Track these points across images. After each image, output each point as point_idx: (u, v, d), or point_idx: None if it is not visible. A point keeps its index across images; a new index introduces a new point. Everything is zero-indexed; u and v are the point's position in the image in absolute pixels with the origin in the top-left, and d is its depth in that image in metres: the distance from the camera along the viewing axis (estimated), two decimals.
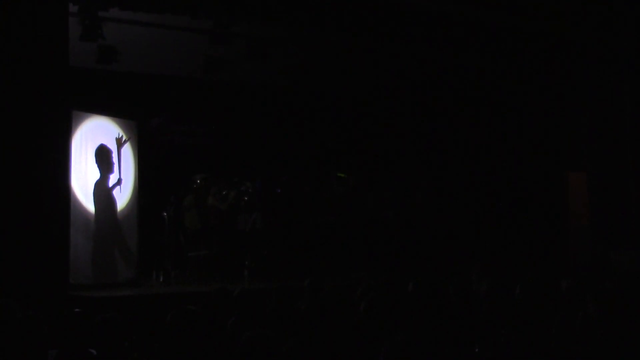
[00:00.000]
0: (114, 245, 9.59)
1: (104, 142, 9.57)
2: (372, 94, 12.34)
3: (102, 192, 9.43)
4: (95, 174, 9.41)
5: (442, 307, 5.34)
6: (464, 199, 12.32)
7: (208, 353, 4.14)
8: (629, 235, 10.31)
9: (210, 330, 4.39)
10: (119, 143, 9.77)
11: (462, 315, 5.13)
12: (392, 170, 12.84)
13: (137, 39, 9.65)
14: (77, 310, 5.55)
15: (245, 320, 4.55)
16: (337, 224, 11.81)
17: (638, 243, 10.12)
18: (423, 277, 6.37)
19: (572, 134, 11.58)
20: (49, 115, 7.63)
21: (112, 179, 9.58)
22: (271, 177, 12.18)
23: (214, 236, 10.87)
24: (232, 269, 10.63)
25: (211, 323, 4.56)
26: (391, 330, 4.30)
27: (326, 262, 11.07)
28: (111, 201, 9.56)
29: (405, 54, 11.16)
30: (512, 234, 11.67)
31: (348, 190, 12.24)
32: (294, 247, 11.46)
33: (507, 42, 10.82)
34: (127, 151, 10.00)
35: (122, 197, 9.80)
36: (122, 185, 9.74)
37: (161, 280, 10.14)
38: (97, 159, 9.43)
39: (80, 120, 9.25)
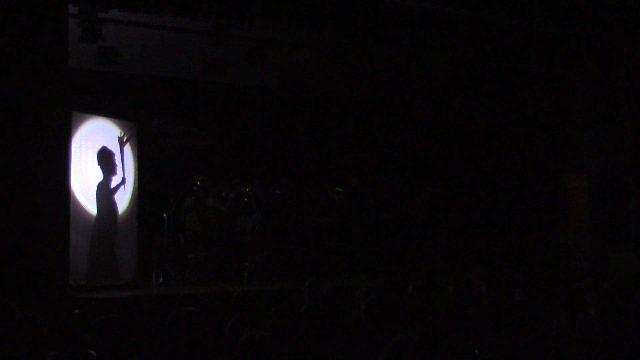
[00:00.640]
0: (114, 246, 9.58)
1: (104, 144, 9.58)
2: (372, 96, 12.36)
3: (105, 193, 9.44)
4: (95, 174, 9.41)
5: (441, 309, 5.33)
6: (463, 200, 12.33)
7: (208, 354, 4.14)
8: (628, 237, 10.31)
9: (210, 332, 4.39)
10: (121, 142, 9.78)
11: (461, 317, 5.13)
12: (392, 172, 12.84)
13: (137, 41, 9.66)
14: (76, 311, 5.55)
15: (245, 321, 4.55)
16: (337, 226, 11.81)
17: (637, 245, 10.12)
18: (423, 279, 6.36)
19: (572, 136, 11.58)
20: (48, 116, 7.63)
21: (115, 181, 9.60)
22: (271, 179, 12.18)
23: (213, 238, 10.87)
24: (232, 271, 10.64)
25: (211, 324, 4.56)
26: (391, 332, 4.30)
27: (326, 263, 11.07)
28: (113, 203, 9.57)
29: (405, 56, 11.17)
30: (511, 236, 11.67)
31: (348, 193, 12.24)
32: (294, 248, 11.46)
33: (507, 43, 10.83)
34: (127, 152, 10.00)
35: (123, 198, 9.80)
36: (125, 186, 9.75)
37: (161, 281, 10.15)
38: (99, 161, 9.44)
39: (80, 122, 9.25)
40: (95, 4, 8.75)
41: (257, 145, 12.57)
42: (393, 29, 10.03)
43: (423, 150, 12.83)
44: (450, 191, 12.51)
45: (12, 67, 7.48)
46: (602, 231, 10.71)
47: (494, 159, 12.19)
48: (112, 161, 9.60)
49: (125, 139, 9.84)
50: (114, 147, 9.70)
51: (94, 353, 4.08)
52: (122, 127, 9.94)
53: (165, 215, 10.53)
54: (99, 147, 9.50)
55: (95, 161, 9.44)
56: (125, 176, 9.74)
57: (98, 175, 9.44)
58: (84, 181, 9.23)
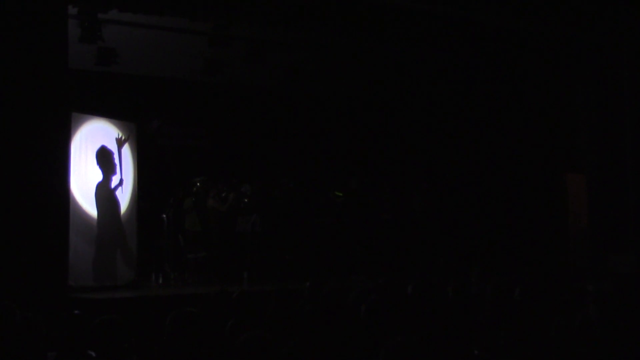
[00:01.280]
0: (115, 247, 9.58)
1: (104, 144, 9.58)
2: (372, 96, 12.37)
3: (105, 193, 9.43)
4: (94, 175, 9.41)
5: (441, 309, 5.34)
6: (463, 201, 12.33)
7: (207, 355, 4.14)
8: (627, 237, 10.32)
9: (210, 332, 4.39)
10: (119, 143, 9.78)
11: (461, 318, 5.13)
12: (392, 173, 12.85)
13: (137, 41, 9.66)
14: (76, 312, 5.55)
15: (245, 322, 4.55)
16: (337, 226, 11.81)
17: (636, 245, 10.13)
18: (422, 279, 6.37)
19: (572, 137, 11.58)
20: (48, 117, 7.63)
21: (114, 180, 9.60)
22: (271, 180, 12.18)
23: (213, 238, 10.87)
24: (232, 271, 10.63)
25: (210, 325, 4.56)
26: (390, 333, 4.30)
27: (326, 264, 11.07)
28: (114, 202, 9.56)
29: (404, 56, 11.18)
30: (511, 236, 11.67)
31: (348, 194, 12.24)
32: (293, 249, 11.46)
33: (507, 44, 10.84)
34: (127, 153, 10.00)
35: (122, 199, 9.80)
36: (122, 187, 9.75)
37: (160, 282, 10.15)
38: (98, 160, 9.44)
39: (79, 123, 9.25)
40: (95, 4, 8.75)
41: (257, 146, 12.56)
42: (393, 29, 10.04)
43: (423, 150, 12.84)
44: (450, 191, 12.52)
45: (12, 67, 7.47)
46: (601, 231, 10.71)
47: (494, 159, 12.19)
48: (111, 160, 9.59)
49: (123, 139, 9.84)
50: (114, 148, 9.71)
51: (93, 354, 4.08)
52: (122, 128, 9.94)
53: (164, 216, 10.53)
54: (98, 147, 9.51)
55: (95, 162, 9.44)
56: (123, 177, 9.74)
57: (98, 176, 9.44)
58: (83, 182, 9.23)
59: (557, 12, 10.03)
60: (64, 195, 7.96)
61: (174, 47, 9.97)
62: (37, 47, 7.59)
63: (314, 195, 12.23)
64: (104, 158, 9.50)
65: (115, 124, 9.91)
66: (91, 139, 9.45)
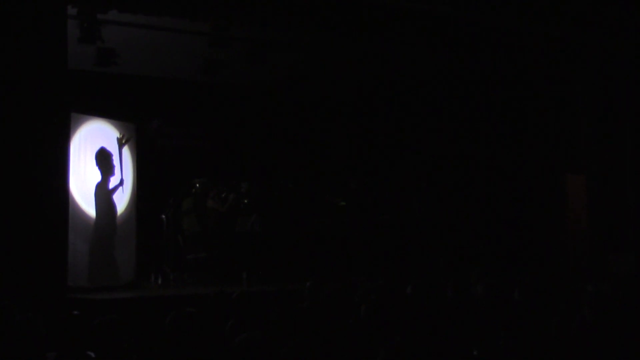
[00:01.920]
0: (114, 247, 9.59)
1: (103, 145, 9.58)
2: (372, 96, 12.36)
3: (103, 194, 9.44)
4: (94, 176, 9.41)
5: (440, 310, 5.34)
6: (463, 201, 12.33)
7: (207, 355, 4.14)
8: (627, 237, 10.32)
9: (209, 333, 4.39)
10: (120, 143, 9.79)
11: (460, 318, 5.13)
12: (392, 173, 12.84)
13: (136, 42, 9.65)
14: (75, 312, 5.55)
15: (244, 322, 4.56)
16: (337, 226, 11.81)
17: (636, 245, 10.13)
18: (422, 280, 6.38)
19: (571, 137, 11.59)
20: (47, 117, 7.62)
21: (113, 181, 9.60)
22: (270, 180, 12.18)
23: (212, 239, 10.87)
24: (231, 272, 10.63)
25: (210, 325, 4.56)
26: (390, 333, 4.30)
27: (325, 264, 11.07)
28: (112, 204, 9.57)
29: (404, 56, 11.17)
30: (510, 237, 11.67)
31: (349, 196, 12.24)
32: (293, 249, 11.46)
33: (506, 44, 10.83)
34: (126, 154, 10.01)
35: (122, 199, 9.80)
36: (123, 187, 9.75)
37: (160, 282, 10.14)
38: (97, 161, 9.44)
39: (79, 123, 9.25)
40: (94, 5, 8.74)
41: (257, 146, 12.56)
42: (393, 29, 10.04)
43: (423, 150, 12.83)
44: (449, 192, 12.51)
45: (11, 68, 7.47)
46: (600, 232, 10.71)
47: (493, 160, 12.19)
48: (110, 162, 9.60)
49: (124, 140, 9.85)
50: (113, 149, 9.71)
51: (93, 354, 4.08)
52: (121, 129, 9.94)
53: (164, 216, 10.53)
54: (97, 149, 9.51)
55: (94, 162, 9.44)
56: (123, 177, 9.75)
57: (97, 177, 9.44)
58: (82, 182, 9.23)
59: (557, 12, 10.03)
60: (63, 196, 7.96)
61: (173, 48, 9.96)
62: (37, 47, 7.59)
63: (313, 195, 12.24)
64: (103, 159, 9.50)
65: (115, 125, 9.92)
66: (90, 139, 9.45)
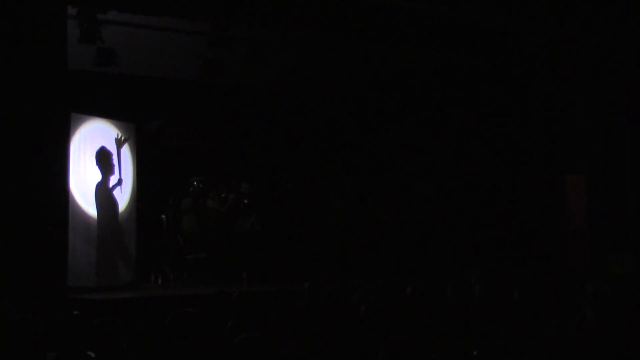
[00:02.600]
0: (114, 247, 9.59)
1: (104, 145, 9.58)
2: (371, 97, 12.35)
3: (104, 193, 9.45)
4: (93, 176, 9.42)
5: (440, 310, 5.35)
6: (462, 202, 12.33)
7: (207, 355, 4.14)
8: (626, 238, 10.32)
9: (209, 333, 4.39)
10: (119, 143, 9.79)
11: (460, 318, 5.14)
12: (391, 173, 12.84)
13: (136, 42, 9.65)
14: (75, 312, 5.55)
15: (244, 322, 4.56)
16: (336, 227, 11.81)
17: (635, 246, 10.13)
18: (422, 280, 6.39)
19: (571, 137, 11.58)
20: (47, 117, 7.63)
21: (113, 181, 9.61)
22: (270, 180, 12.18)
23: (212, 239, 10.87)
24: (231, 272, 10.63)
25: (210, 325, 4.57)
26: (390, 333, 4.30)
27: (325, 264, 11.07)
28: (112, 203, 9.58)
29: (403, 57, 11.17)
30: (510, 237, 11.67)
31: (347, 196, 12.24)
32: (293, 249, 11.45)
33: (506, 44, 10.84)
34: (126, 154, 10.01)
35: (121, 199, 9.81)
36: (121, 187, 9.76)
37: (160, 282, 10.14)
38: (97, 161, 9.45)
39: (79, 123, 9.25)
40: (94, 5, 8.75)
41: (257, 146, 12.56)
42: (392, 31, 10.04)
43: (422, 150, 12.82)
44: (449, 192, 12.51)
45: (11, 68, 7.48)
46: (600, 232, 10.71)
47: (493, 160, 12.19)
48: (110, 161, 9.61)
49: (122, 140, 9.85)
50: (113, 148, 9.72)
51: (92, 354, 4.08)
52: (121, 129, 9.95)
53: (164, 216, 10.53)
54: (97, 149, 9.51)
55: (94, 162, 9.45)
56: (122, 177, 9.75)
57: (97, 177, 9.45)
58: (82, 182, 9.23)
59: (558, 12, 10.04)
60: (63, 196, 7.97)
61: (173, 48, 9.96)
62: (37, 47, 7.59)
63: (313, 195, 12.23)
64: (103, 159, 9.51)
65: (115, 125, 9.92)
66: (90, 139, 9.46)
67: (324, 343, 4.33)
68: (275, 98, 11.96)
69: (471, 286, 6.24)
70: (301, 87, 11.52)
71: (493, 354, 4.33)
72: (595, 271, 10.27)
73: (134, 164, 10.15)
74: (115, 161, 9.69)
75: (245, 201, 11.12)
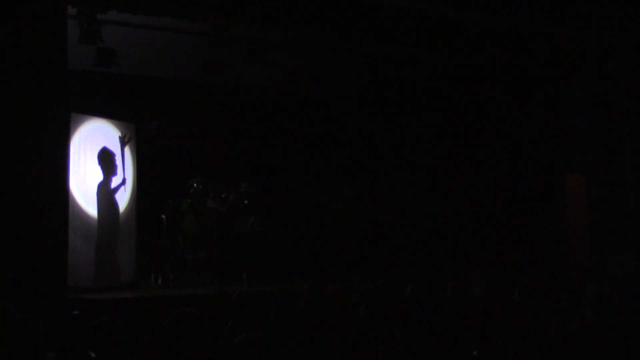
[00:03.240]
0: (114, 247, 9.59)
1: (103, 145, 9.59)
2: (371, 97, 12.35)
3: (105, 194, 9.45)
4: (94, 176, 9.41)
5: (440, 310, 5.35)
6: (462, 202, 12.32)
7: (207, 355, 4.14)
8: (626, 238, 10.32)
9: (209, 333, 4.39)
10: (123, 142, 9.80)
11: (460, 319, 5.14)
12: (391, 174, 12.84)
13: (136, 42, 9.65)
14: (75, 312, 5.55)
15: (244, 322, 4.56)
16: (336, 227, 11.81)
17: (635, 246, 10.13)
18: (421, 281, 6.38)
19: (571, 138, 11.58)
20: (48, 117, 7.63)
21: (115, 181, 9.61)
22: (270, 180, 12.18)
23: (212, 239, 10.87)
24: (231, 272, 10.63)
25: (210, 325, 4.56)
26: (389, 333, 4.30)
27: (325, 265, 11.07)
28: (114, 203, 9.57)
29: (403, 57, 11.17)
30: (510, 237, 11.67)
31: (347, 196, 12.24)
32: (292, 249, 11.45)
33: (506, 44, 10.83)
34: (127, 153, 10.01)
35: (122, 199, 9.80)
36: (125, 187, 9.76)
37: (159, 282, 10.14)
38: (100, 161, 9.45)
39: (79, 123, 9.25)
40: (94, 5, 8.75)
41: (257, 147, 12.56)
42: (391, 30, 10.04)
43: (422, 150, 12.82)
44: (449, 192, 12.51)
45: (12, 68, 7.48)
46: (600, 233, 10.71)
47: (493, 160, 12.18)
48: (113, 162, 9.61)
49: (126, 139, 9.86)
50: (114, 148, 9.71)
51: (92, 354, 4.08)
52: (122, 129, 9.95)
53: (163, 216, 10.52)
54: (98, 149, 9.51)
55: (94, 162, 9.44)
56: (126, 177, 9.77)
57: (97, 177, 9.44)
58: (82, 182, 9.23)
59: (558, 12, 10.04)
60: (63, 196, 7.97)
61: (173, 48, 9.96)
62: (37, 47, 7.59)
63: (313, 195, 12.23)
64: (106, 158, 9.52)
65: (115, 125, 9.92)
66: (90, 139, 9.45)
67: (324, 343, 4.33)
68: (275, 98, 11.95)
69: (471, 286, 6.24)
70: (301, 87, 11.51)
71: (493, 354, 4.33)
72: (595, 271, 10.27)
73: (134, 164, 10.15)
74: (118, 161, 9.70)
75: (245, 201, 11.12)
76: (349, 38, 10.26)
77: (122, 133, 9.83)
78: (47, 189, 7.57)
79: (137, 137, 10.26)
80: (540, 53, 11.12)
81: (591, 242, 10.88)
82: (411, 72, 11.66)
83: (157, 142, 11.86)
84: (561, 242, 11.59)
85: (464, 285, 6.10)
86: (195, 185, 10.97)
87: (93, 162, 9.44)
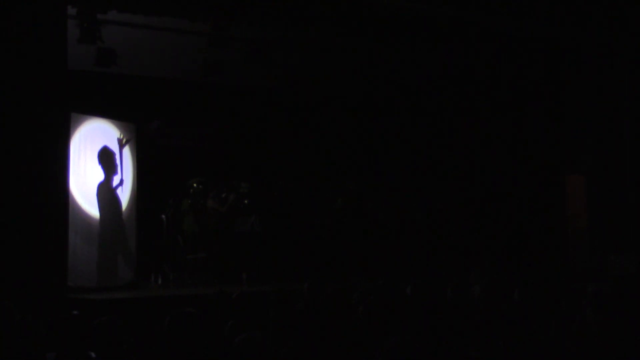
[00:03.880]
0: (114, 247, 9.59)
1: (105, 144, 9.59)
2: (371, 97, 12.36)
3: (106, 193, 9.46)
4: (94, 176, 9.42)
5: (440, 310, 5.34)
6: (462, 202, 12.32)
7: (207, 355, 4.14)
8: (627, 238, 10.32)
9: (209, 333, 4.39)
10: (121, 144, 9.81)
11: (460, 319, 5.13)
12: (391, 174, 12.84)
13: (136, 42, 9.65)
14: (75, 312, 5.54)
15: (244, 322, 4.55)
16: (336, 227, 11.81)
17: (636, 246, 10.13)
18: (421, 280, 6.37)
19: (571, 138, 11.58)
20: (47, 117, 7.63)
21: (115, 181, 9.62)
22: (270, 180, 12.18)
23: (212, 239, 10.87)
24: (231, 272, 10.63)
25: (209, 326, 4.56)
26: (389, 334, 4.30)
27: (324, 265, 11.07)
28: (115, 203, 9.59)
29: (404, 57, 11.17)
30: (510, 237, 11.66)
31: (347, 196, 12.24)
32: (293, 249, 11.46)
33: (507, 45, 10.83)
34: (126, 154, 10.02)
35: (122, 199, 9.81)
36: (122, 187, 9.77)
37: (160, 282, 10.15)
38: (100, 160, 9.46)
39: (78, 123, 9.26)
40: (94, 5, 8.75)
41: (257, 146, 12.56)
42: (392, 30, 10.04)
43: (422, 150, 12.82)
44: (449, 192, 12.51)
45: (11, 68, 7.48)
46: (600, 233, 10.71)
47: (493, 161, 12.18)
48: (114, 161, 9.63)
49: (124, 140, 9.86)
50: (113, 148, 9.72)
51: (93, 354, 4.08)
52: (121, 129, 9.95)
53: (163, 216, 10.53)
54: (97, 149, 9.52)
55: (94, 162, 9.45)
56: (123, 177, 9.76)
57: (97, 177, 9.45)
58: (82, 182, 9.24)
59: (557, 12, 10.04)
60: (63, 196, 7.97)
61: (173, 48, 9.96)
62: (36, 47, 7.59)
63: (313, 195, 12.23)
64: (106, 158, 9.53)
65: (115, 125, 9.92)
66: (90, 139, 9.46)
67: (324, 343, 4.33)
68: (275, 98, 11.95)
69: (471, 286, 6.24)
70: (301, 87, 11.52)
71: (493, 354, 4.33)
72: (595, 271, 10.27)
73: (134, 164, 10.15)
74: (118, 161, 9.70)
75: (245, 201, 11.12)
76: (349, 38, 10.26)
77: (120, 135, 9.84)
78: (47, 189, 7.57)
79: (137, 137, 10.27)
80: (541, 53, 11.12)
81: (591, 242, 10.88)
82: (412, 72, 11.66)
83: (157, 142, 11.86)
84: (561, 242, 11.59)
85: (464, 285, 6.09)
86: (195, 185, 10.96)
87: (93, 162, 9.45)
